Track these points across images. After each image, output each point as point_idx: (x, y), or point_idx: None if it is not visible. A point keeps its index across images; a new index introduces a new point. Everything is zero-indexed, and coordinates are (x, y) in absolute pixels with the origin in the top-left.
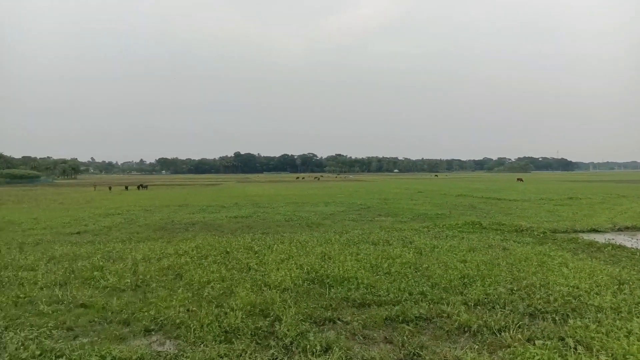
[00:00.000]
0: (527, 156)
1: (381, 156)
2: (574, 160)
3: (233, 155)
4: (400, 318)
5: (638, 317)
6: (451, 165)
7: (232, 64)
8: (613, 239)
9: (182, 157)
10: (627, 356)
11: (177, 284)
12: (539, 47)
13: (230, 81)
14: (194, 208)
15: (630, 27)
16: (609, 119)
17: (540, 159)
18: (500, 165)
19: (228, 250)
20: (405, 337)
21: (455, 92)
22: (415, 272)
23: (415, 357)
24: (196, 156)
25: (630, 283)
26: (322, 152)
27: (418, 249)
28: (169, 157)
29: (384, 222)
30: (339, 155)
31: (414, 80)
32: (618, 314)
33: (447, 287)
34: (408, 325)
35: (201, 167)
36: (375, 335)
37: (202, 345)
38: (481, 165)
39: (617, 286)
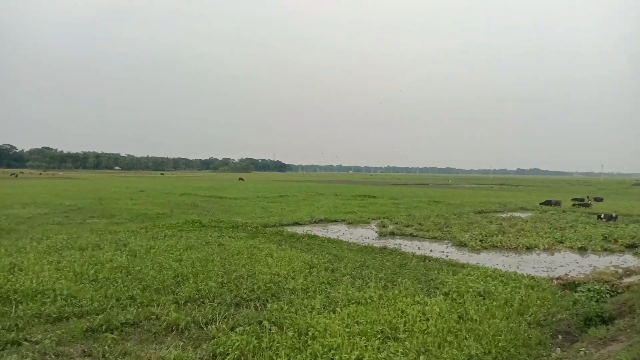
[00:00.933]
0: (248, 157)
1: (100, 152)
2: (287, 162)
3: None
4: (104, 327)
5: (320, 295)
6: (178, 164)
7: None
8: (310, 230)
9: None
10: (309, 328)
11: None
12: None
13: None
14: None
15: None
16: (317, 128)
17: (259, 161)
18: (225, 165)
19: None
20: (107, 347)
21: (184, 90)
22: (127, 276)
23: None
24: None
25: (318, 266)
26: (24, 144)
27: (133, 251)
28: None
29: (96, 225)
30: (47, 148)
31: (144, 71)
32: (306, 294)
33: (159, 288)
34: (112, 333)
35: None
36: (71, 350)
37: None
38: (207, 164)
39: (308, 270)
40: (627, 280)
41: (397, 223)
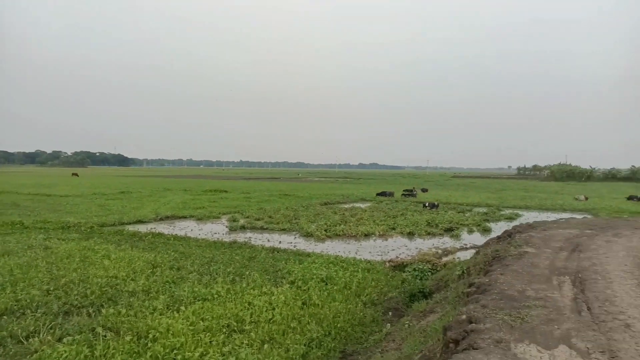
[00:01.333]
0: (84, 150)
1: None
2: (130, 156)
3: None
4: None
5: (164, 295)
6: None
7: None
8: (154, 228)
9: None
10: (150, 330)
11: None
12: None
13: None
14: None
15: None
16: (165, 119)
17: (97, 154)
18: (55, 159)
19: None
20: None
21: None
22: None
23: None
24: None
25: (162, 265)
26: None
27: None
28: None
29: None
30: None
31: None
32: (148, 295)
33: None
34: None
35: None
36: None
37: None
38: (33, 158)
39: (151, 270)
40: (444, 259)
41: (248, 217)
